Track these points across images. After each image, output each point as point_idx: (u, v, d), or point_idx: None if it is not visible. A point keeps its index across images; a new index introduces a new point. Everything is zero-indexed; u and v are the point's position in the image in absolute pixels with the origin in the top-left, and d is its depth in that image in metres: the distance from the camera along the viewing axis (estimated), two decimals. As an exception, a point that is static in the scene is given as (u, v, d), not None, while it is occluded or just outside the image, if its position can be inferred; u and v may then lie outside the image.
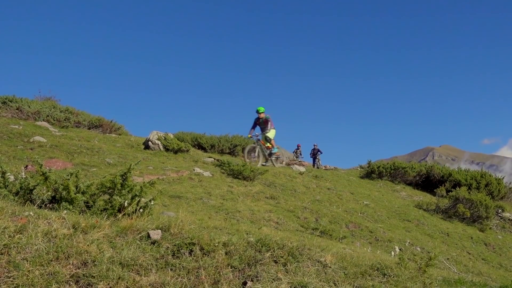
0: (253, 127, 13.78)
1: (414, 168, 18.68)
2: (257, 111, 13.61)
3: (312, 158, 26.17)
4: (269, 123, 13.58)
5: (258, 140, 13.53)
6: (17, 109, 14.72)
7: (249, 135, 13.83)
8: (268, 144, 13.66)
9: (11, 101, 14.98)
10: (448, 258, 9.04)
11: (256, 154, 13.35)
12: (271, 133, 13.65)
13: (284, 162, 14.76)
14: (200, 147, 17.50)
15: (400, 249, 6.96)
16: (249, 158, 13.08)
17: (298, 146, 27.09)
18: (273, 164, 14.23)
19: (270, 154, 13.95)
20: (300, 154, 26.66)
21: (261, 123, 13.75)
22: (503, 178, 18.07)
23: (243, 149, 13.75)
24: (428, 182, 18.55)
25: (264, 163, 13.67)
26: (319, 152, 26.19)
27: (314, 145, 26.53)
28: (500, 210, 14.91)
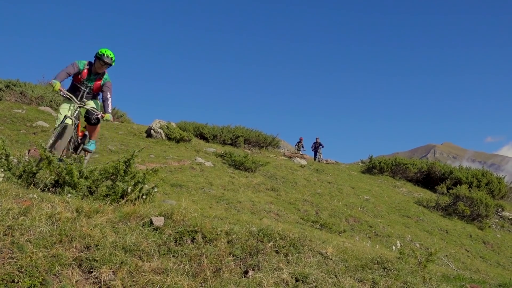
0: (72, 78, 6.22)
1: (415, 165, 18.69)
2: (102, 55, 6.01)
3: (313, 152, 26.16)
4: (110, 90, 6.34)
5: (77, 114, 6.10)
6: (21, 93, 14.71)
7: (57, 87, 5.73)
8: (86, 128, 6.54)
9: (14, 85, 14.96)
10: (446, 255, 9.07)
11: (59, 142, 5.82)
12: (109, 109, 6.25)
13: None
14: (202, 137, 17.50)
15: (400, 245, 6.98)
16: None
17: (300, 139, 27.06)
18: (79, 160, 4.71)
19: (83, 148, 6.53)
20: (302, 147, 26.62)
21: (90, 82, 6.23)
22: (504, 177, 18.07)
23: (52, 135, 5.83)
24: (429, 179, 18.56)
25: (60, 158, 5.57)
26: (320, 146, 25.70)
27: (316, 139, 26.04)
28: (500, 209, 14.93)
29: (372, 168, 18.49)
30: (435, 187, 16.55)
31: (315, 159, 24.65)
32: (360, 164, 20.84)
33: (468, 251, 10.27)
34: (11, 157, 4.20)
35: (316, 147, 25.88)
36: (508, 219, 14.57)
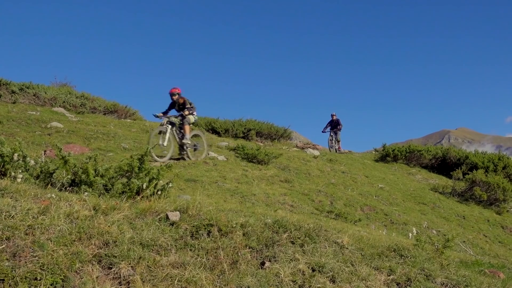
0: None
1: (430, 151, 18.48)
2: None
3: (329, 133, 20.17)
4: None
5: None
6: (34, 95, 14.93)
7: None
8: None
9: (28, 88, 15.18)
10: (464, 241, 8.99)
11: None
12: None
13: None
14: (214, 131, 17.55)
15: (416, 232, 6.95)
16: None
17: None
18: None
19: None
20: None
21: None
22: (521, 160, 17.75)
23: None
24: (444, 165, 18.34)
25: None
26: (338, 126, 20.06)
27: (332, 116, 20.40)
28: (518, 193, 14.69)
29: (385, 156, 18.34)
30: (451, 173, 16.34)
31: (331, 144, 19.78)
32: (374, 152, 20.64)
33: (486, 236, 10.16)
34: (28, 158, 4.28)
35: (333, 126, 20.15)
36: (527, 202, 14.34)
